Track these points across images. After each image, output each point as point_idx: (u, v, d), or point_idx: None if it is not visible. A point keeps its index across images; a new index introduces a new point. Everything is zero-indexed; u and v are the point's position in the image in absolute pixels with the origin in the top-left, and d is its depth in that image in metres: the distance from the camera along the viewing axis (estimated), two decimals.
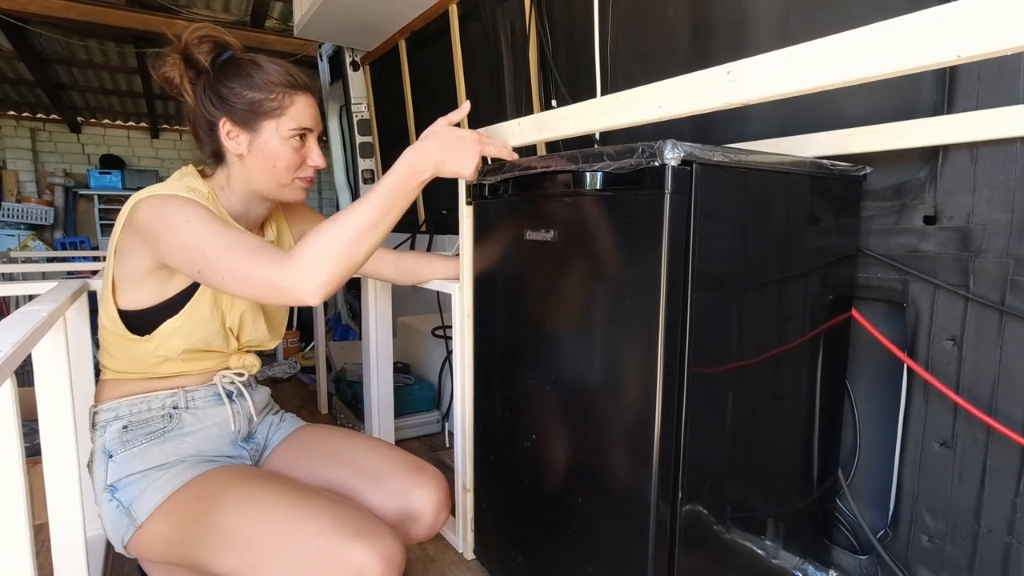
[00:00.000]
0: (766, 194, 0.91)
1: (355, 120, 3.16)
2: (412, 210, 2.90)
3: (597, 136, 1.62)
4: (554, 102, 1.81)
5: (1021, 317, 0.90)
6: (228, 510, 0.84)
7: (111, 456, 0.93)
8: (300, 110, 0.97)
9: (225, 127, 0.95)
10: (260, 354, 1.12)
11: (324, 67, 3.49)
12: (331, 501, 0.84)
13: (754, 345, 0.93)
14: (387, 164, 3.16)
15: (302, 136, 0.98)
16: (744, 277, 0.90)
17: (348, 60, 3.05)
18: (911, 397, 1.06)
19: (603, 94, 0.87)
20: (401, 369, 2.22)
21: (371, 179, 3.24)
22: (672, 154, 0.75)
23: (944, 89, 0.99)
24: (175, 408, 0.98)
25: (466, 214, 1.20)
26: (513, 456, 1.13)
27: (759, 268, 0.92)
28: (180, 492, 0.90)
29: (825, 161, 0.98)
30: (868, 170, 1.04)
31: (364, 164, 3.24)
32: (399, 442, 2.06)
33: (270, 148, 0.96)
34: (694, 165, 0.78)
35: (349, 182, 3.69)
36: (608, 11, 1.62)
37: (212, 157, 1.00)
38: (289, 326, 4.07)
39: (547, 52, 1.82)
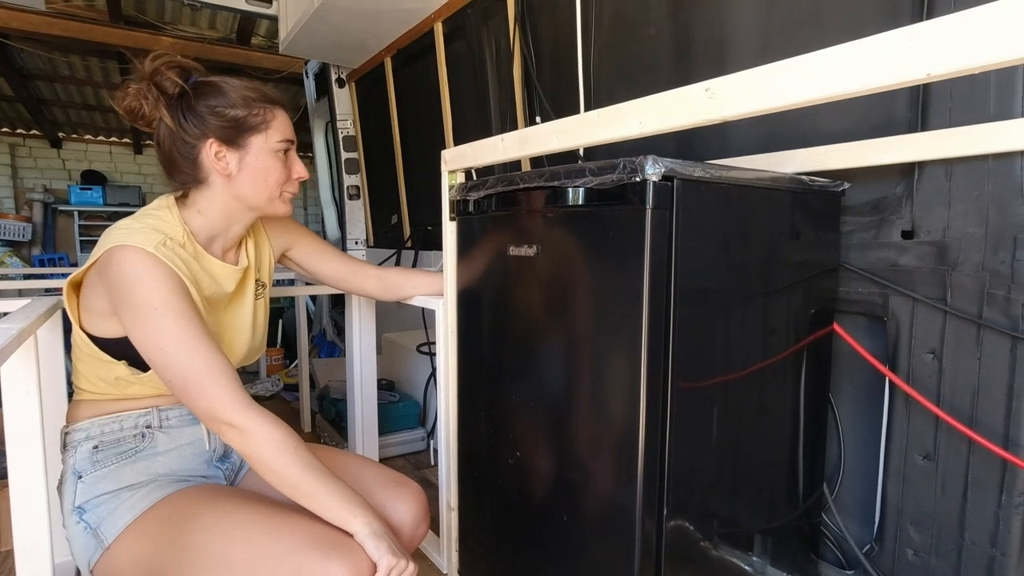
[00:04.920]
0: (747, 209, 0.92)
1: (341, 137, 3.16)
2: (398, 226, 2.89)
3: (581, 152, 1.64)
4: (538, 118, 1.83)
5: (998, 330, 0.91)
6: (201, 529, 0.83)
7: (80, 477, 0.91)
8: (282, 123, 0.99)
9: (212, 148, 0.93)
10: (242, 372, 1.10)
11: (310, 84, 3.50)
12: (304, 517, 0.83)
13: (737, 359, 0.93)
14: (372, 179, 3.16)
15: (286, 149, 0.99)
16: (727, 291, 0.90)
17: (334, 77, 3.07)
18: (893, 410, 1.06)
19: (587, 110, 0.87)
20: (385, 386, 2.20)
21: (356, 195, 3.23)
22: (653, 170, 0.76)
23: (918, 107, 1.01)
24: (148, 427, 0.96)
25: (450, 230, 1.19)
26: (498, 473, 1.12)
27: (741, 283, 0.92)
28: (150, 512, 0.88)
29: (804, 177, 1.00)
30: (847, 186, 1.06)
31: (349, 180, 3.23)
32: (383, 460, 2.03)
33: (260, 162, 0.96)
34: (675, 181, 0.79)
35: (334, 198, 3.68)
36: (591, 29, 1.64)
37: (191, 183, 0.96)
38: (273, 343, 4.03)
39: (531, 69, 1.83)
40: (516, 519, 1.08)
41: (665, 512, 0.84)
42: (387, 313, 2.75)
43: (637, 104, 0.75)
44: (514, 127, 1.93)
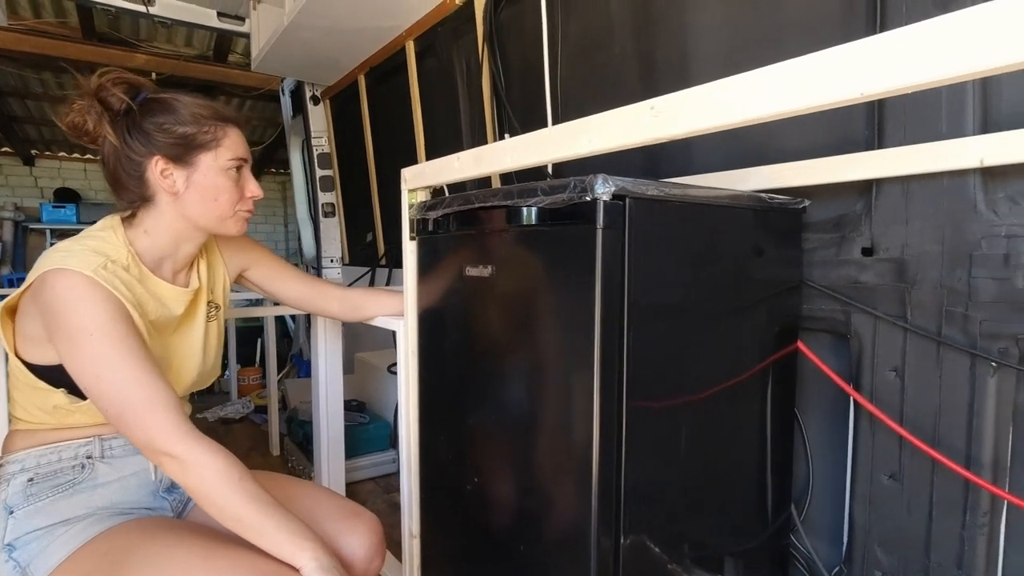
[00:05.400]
0: (704, 228, 0.91)
1: (316, 154, 3.14)
2: (373, 244, 2.86)
3: (549, 169, 1.63)
4: (507, 135, 1.82)
5: (957, 348, 0.90)
6: (142, 564, 0.79)
7: (12, 512, 0.86)
8: (235, 141, 0.96)
9: (158, 165, 0.90)
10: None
11: (286, 101, 3.48)
12: (250, 551, 0.80)
13: (697, 378, 0.91)
14: (347, 197, 3.13)
15: (239, 168, 0.97)
16: (684, 311, 0.88)
17: (308, 94, 3.05)
18: (858, 429, 1.05)
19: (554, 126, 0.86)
20: (355, 407, 2.15)
21: (331, 212, 3.20)
22: (603, 189, 0.74)
23: (875, 124, 1.02)
24: (88, 458, 0.92)
25: (410, 249, 1.17)
26: (459, 499, 1.08)
27: (700, 301, 0.91)
28: (85, 548, 0.83)
29: (764, 195, 0.99)
30: (807, 203, 1.06)
31: (325, 198, 3.20)
32: (353, 484, 1.98)
33: (209, 180, 0.93)
34: (627, 200, 0.77)
35: (311, 215, 3.64)
36: (558, 47, 1.65)
37: (138, 201, 0.93)
38: (251, 363, 3.95)
39: (500, 87, 1.83)
40: (477, 546, 1.04)
41: (622, 534, 0.81)
42: (360, 332, 2.71)
43: (585, 122, 0.74)
44: (484, 143, 1.92)
